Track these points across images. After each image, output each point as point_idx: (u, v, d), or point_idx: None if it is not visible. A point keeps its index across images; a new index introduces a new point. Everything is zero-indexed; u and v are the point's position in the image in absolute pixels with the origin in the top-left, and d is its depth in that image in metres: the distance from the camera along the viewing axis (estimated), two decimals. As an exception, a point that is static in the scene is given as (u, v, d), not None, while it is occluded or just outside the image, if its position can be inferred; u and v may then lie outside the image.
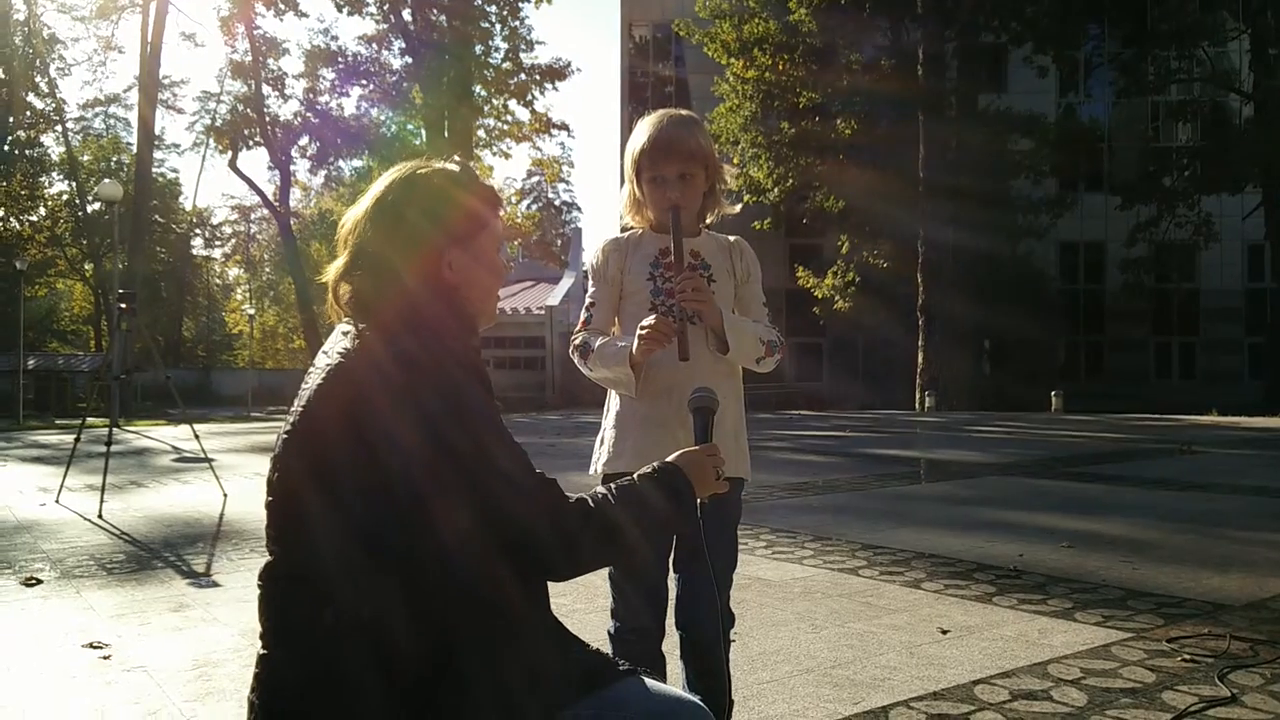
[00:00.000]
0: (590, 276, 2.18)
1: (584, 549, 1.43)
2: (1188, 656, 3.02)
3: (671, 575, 2.14)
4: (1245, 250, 33.52)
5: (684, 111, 2.17)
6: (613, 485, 1.49)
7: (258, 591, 1.40)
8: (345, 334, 1.44)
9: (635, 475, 1.53)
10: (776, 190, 27.00)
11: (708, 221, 2.19)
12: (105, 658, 3.19)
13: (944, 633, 3.35)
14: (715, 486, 1.61)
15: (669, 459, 1.58)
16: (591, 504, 1.44)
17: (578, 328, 2.15)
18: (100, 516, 6.17)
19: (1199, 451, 10.26)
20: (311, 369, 1.46)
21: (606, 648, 2.05)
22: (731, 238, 2.22)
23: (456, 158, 1.58)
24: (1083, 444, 11.99)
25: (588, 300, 2.16)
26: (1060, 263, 34.77)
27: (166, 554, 5.04)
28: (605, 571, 2.03)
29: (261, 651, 1.36)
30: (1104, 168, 32.93)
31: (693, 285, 2.00)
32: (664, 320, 1.97)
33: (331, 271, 1.49)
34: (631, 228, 2.19)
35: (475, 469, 1.33)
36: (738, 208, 2.27)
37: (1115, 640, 3.22)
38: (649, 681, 1.46)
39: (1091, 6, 27.35)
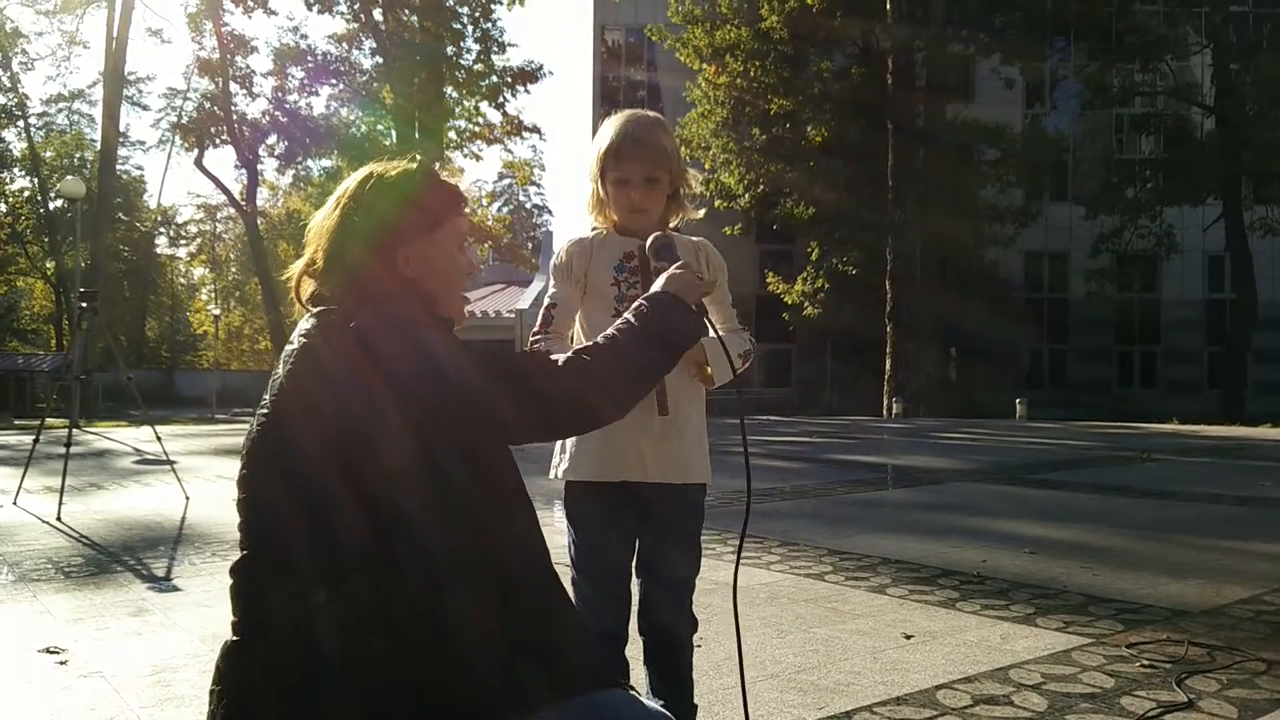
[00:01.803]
0: (552, 276, 2.16)
1: (601, 393, 1.49)
2: (1147, 662, 3.06)
3: (635, 579, 2.14)
4: (1206, 261, 34.13)
5: (650, 113, 2.16)
6: (605, 333, 1.55)
7: (230, 584, 1.39)
8: (308, 319, 1.47)
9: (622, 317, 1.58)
10: (747, 196, 27.14)
11: (671, 225, 2.19)
12: (62, 663, 3.14)
13: (908, 638, 3.37)
14: (702, 287, 1.68)
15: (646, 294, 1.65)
16: (586, 355, 1.49)
17: (537, 327, 2.13)
18: (59, 519, 6.06)
19: (1159, 459, 10.41)
20: (280, 359, 1.48)
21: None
22: (695, 238, 2.22)
23: (418, 155, 1.59)
24: (1046, 451, 12.13)
25: (548, 301, 2.14)
26: (1026, 271, 35.21)
27: (126, 557, 4.96)
28: (569, 576, 2.03)
29: (232, 639, 1.36)
30: (1068, 178, 33.39)
31: None
32: None
33: (294, 269, 1.52)
34: (596, 227, 2.18)
35: (462, 399, 1.35)
36: (701, 212, 2.27)
37: (1076, 646, 3.26)
38: (625, 694, 1.46)
39: (1058, 20, 27.76)
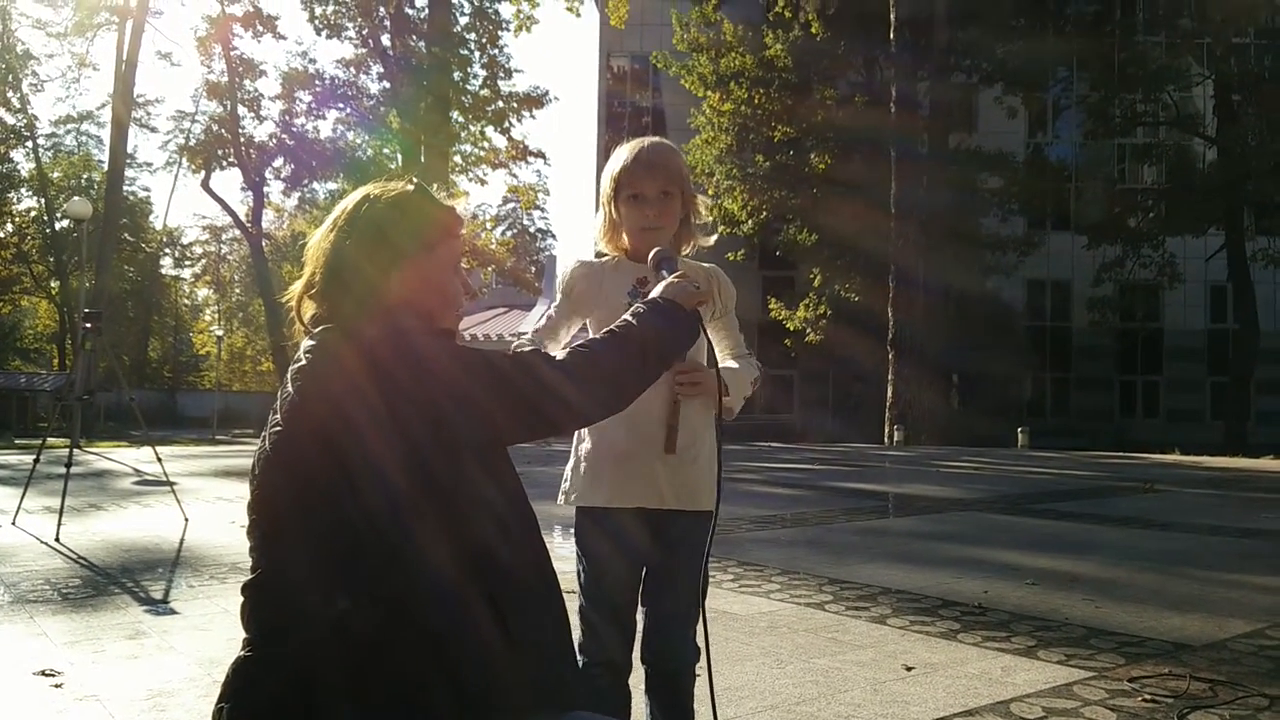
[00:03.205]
0: (558, 290, 2.19)
1: (607, 384, 1.54)
2: (1148, 696, 3.04)
3: (639, 609, 2.13)
4: (1208, 291, 34.16)
5: (663, 139, 2.20)
6: (600, 334, 1.59)
7: (241, 602, 1.40)
8: (310, 337, 1.49)
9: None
10: (750, 222, 27.25)
11: (684, 252, 2.20)
12: (57, 686, 3.12)
13: (909, 669, 3.35)
14: (698, 295, 1.70)
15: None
16: (584, 350, 1.53)
17: (535, 325, 2.17)
18: (57, 540, 6.05)
19: (1161, 490, 10.38)
20: (288, 377, 1.50)
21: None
22: (707, 265, 2.23)
23: (414, 178, 1.61)
24: (1047, 481, 12.09)
25: (550, 310, 2.17)
26: (1028, 300, 35.25)
27: (124, 580, 4.94)
28: (575, 605, 2.02)
29: (243, 653, 1.37)
30: (1070, 207, 33.50)
31: (687, 368, 2.02)
32: (671, 412, 2.01)
33: (294, 290, 1.55)
34: (606, 254, 2.19)
35: (453, 402, 1.37)
36: (713, 239, 2.28)
37: (1077, 679, 3.23)
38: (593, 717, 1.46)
39: (1060, 50, 27.94)
